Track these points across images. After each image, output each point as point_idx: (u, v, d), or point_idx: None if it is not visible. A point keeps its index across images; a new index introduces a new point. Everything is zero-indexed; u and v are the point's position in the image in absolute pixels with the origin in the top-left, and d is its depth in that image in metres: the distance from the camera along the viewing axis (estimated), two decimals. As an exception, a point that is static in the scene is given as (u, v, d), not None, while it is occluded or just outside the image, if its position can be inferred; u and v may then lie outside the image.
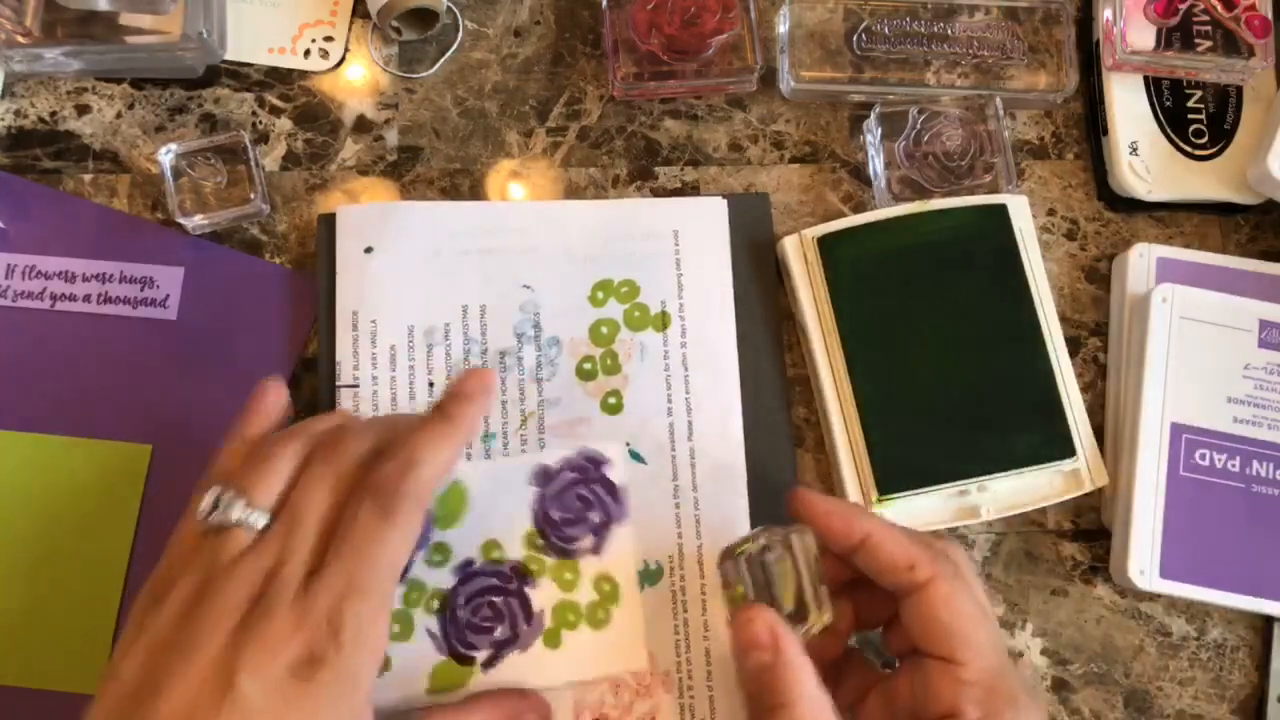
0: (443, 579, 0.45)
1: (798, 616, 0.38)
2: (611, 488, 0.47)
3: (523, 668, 0.44)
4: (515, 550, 0.46)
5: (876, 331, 0.48)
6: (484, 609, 0.45)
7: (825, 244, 0.49)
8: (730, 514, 0.47)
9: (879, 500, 0.47)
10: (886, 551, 0.39)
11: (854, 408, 0.48)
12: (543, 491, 0.47)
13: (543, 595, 0.45)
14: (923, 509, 0.47)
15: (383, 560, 0.35)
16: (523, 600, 0.45)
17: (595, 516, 0.46)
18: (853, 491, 0.47)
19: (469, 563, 0.45)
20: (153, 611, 0.35)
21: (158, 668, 0.34)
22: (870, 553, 0.39)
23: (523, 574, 0.46)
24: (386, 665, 0.44)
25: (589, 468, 0.47)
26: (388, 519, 0.35)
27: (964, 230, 0.49)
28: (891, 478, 0.47)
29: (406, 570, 0.45)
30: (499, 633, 0.45)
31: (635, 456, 0.48)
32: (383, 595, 0.35)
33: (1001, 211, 0.50)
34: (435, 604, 0.45)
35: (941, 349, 0.48)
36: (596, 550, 0.46)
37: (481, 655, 0.44)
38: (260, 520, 0.36)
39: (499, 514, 0.46)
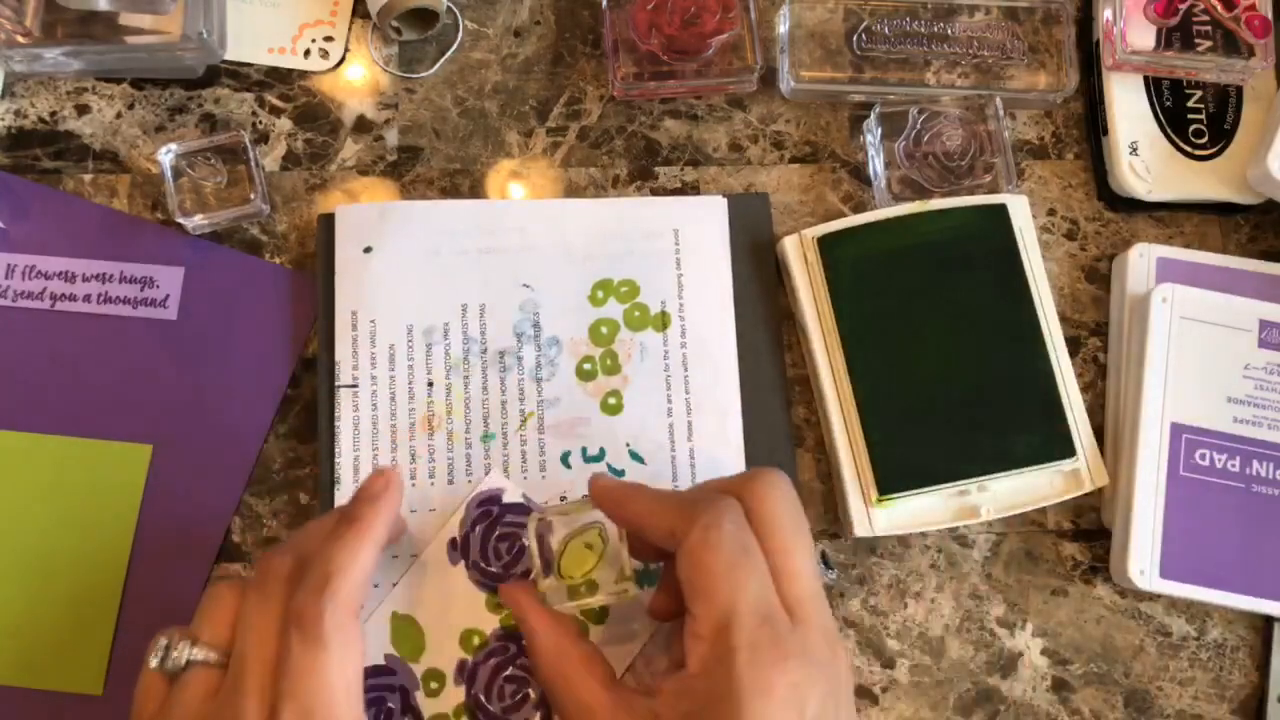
0: (455, 696, 0.45)
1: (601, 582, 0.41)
2: (520, 508, 0.47)
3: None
4: (490, 623, 0.45)
5: (876, 331, 0.48)
6: (507, 687, 0.45)
7: (825, 244, 0.49)
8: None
9: (879, 500, 0.47)
10: (652, 526, 0.39)
11: (854, 408, 0.48)
12: (467, 559, 0.46)
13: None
14: (923, 509, 0.48)
15: (327, 686, 0.35)
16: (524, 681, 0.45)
17: (529, 542, 0.44)
18: (853, 491, 0.47)
19: (463, 664, 0.45)
20: None
21: None
22: (645, 532, 0.39)
23: (516, 634, 0.45)
24: None
25: (490, 507, 0.47)
26: (318, 645, 0.35)
27: (964, 230, 0.49)
28: (891, 478, 0.47)
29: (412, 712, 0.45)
30: (533, 695, 0.45)
31: (635, 457, 0.48)
32: (343, 716, 0.35)
33: (1001, 211, 0.50)
34: (466, 718, 0.45)
35: (941, 349, 0.48)
36: (548, 571, 0.44)
37: None
38: (211, 655, 0.37)
39: (455, 608, 0.46)
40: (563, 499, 0.47)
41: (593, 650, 0.40)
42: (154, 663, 0.37)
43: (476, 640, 0.45)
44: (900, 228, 0.49)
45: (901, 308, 0.49)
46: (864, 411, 0.48)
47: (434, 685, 0.45)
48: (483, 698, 0.45)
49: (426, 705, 0.45)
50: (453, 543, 0.46)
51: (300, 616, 0.36)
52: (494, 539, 0.46)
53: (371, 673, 0.44)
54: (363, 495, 0.40)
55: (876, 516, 0.47)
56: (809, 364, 0.50)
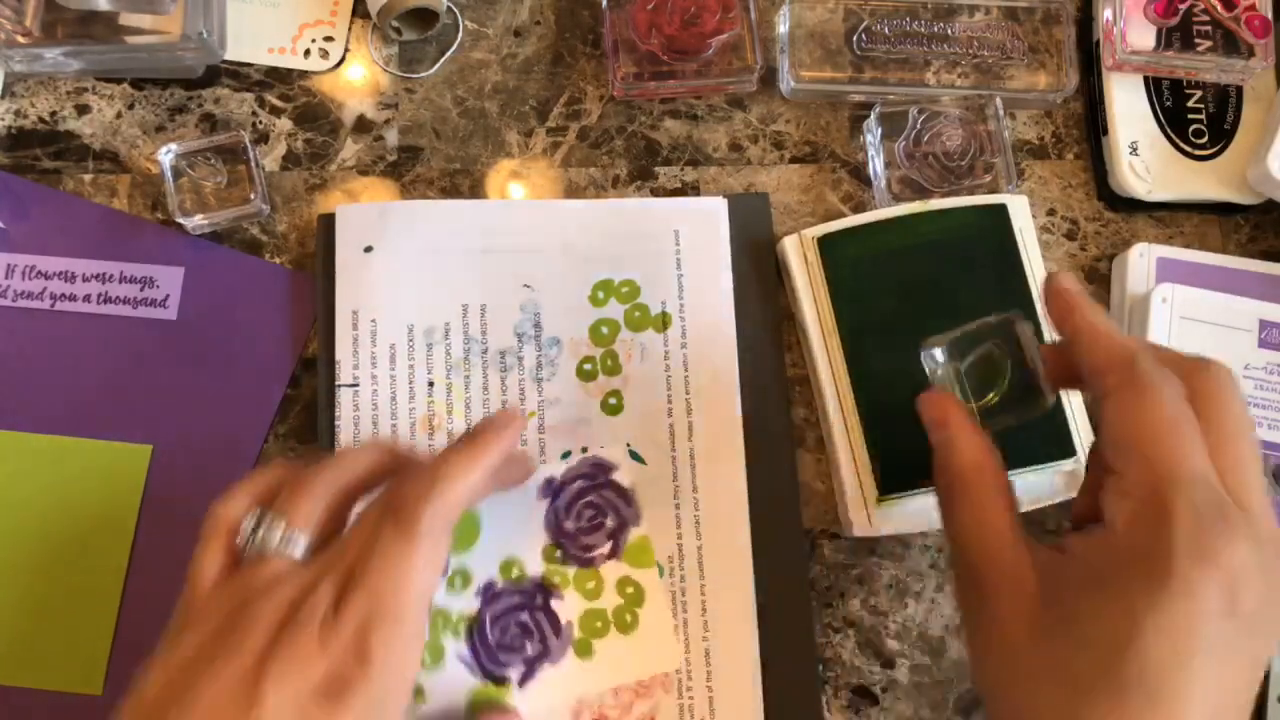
0: (467, 604, 0.45)
1: (1008, 402, 0.40)
2: (621, 491, 0.47)
3: (557, 681, 0.45)
4: (535, 566, 0.46)
5: (877, 331, 0.48)
6: (512, 628, 0.45)
7: (825, 244, 0.49)
8: (730, 514, 0.47)
9: (880, 500, 0.47)
10: (1091, 348, 0.36)
11: (854, 407, 0.48)
12: (554, 504, 0.47)
13: (568, 607, 0.46)
14: (924, 509, 0.47)
15: (406, 582, 0.35)
16: (549, 614, 0.46)
17: (609, 522, 0.47)
18: (852, 491, 0.47)
19: (490, 585, 0.46)
20: (182, 634, 0.35)
21: (184, 684, 0.33)
22: (1081, 351, 0.37)
23: (546, 589, 0.46)
24: (421, 695, 0.44)
25: (596, 474, 0.47)
26: (408, 540, 0.35)
27: (964, 230, 0.49)
28: (892, 478, 0.47)
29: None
30: (530, 649, 0.45)
31: (635, 457, 0.48)
32: (410, 619, 0.35)
33: (1001, 212, 0.50)
34: (463, 629, 0.45)
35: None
36: (614, 555, 0.46)
37: (515, 674, 0.45)
38: (299, 546, 0.36)
39: (513, 532, 0.46)
40: None
41: (1010, 483, 0.38)
42: (244, 536, 0.37)
43: (515, 572, 0.46)
44: (900, 227, 0.49)
45: (901, 307, 0.48)
46: (864, 411, 0.48)
47: (458, 583, 0.45)
48: (488, 621, 0.45)
49: (441, 596, 0.45)
50: (549, 481, 0.47)
51: (400, 509, 0.36)
52: (582, 503, 0.47)
53: None
54: (488, 423, 0.40)
55: (876, 516, 0.47)
56: (809, 364, 0.50)
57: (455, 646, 0.45)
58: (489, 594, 0.46)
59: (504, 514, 0.46)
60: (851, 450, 0.48)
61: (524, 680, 0.45)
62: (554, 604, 0.46)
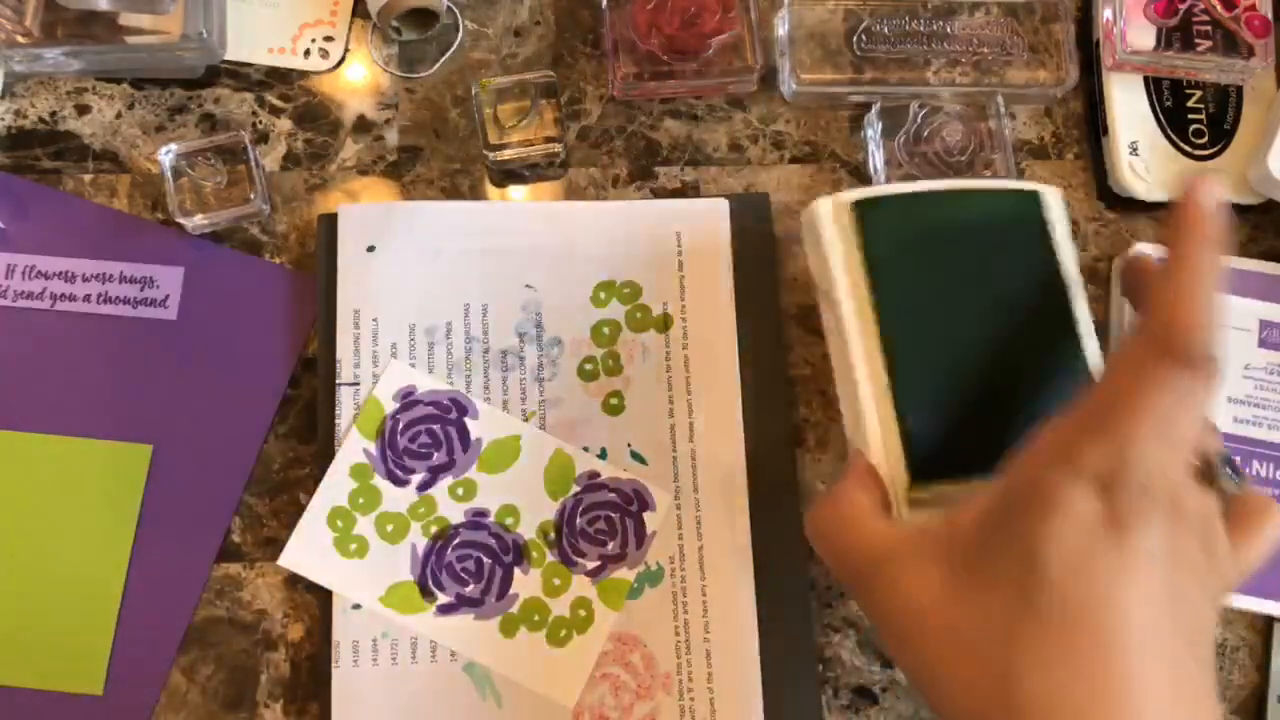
0: (454, 514, 0.47)
1: None
2: (641, 531, 0.47)
3: (468, 632, 0.46)
4: (527, 529, 0.47)
5: (914, 309, 0.44)
6: (470, 563, 0.46)
7: (863, 209, 0.44)
8: (730, 515, 0.47)
9: (911, 488, 0.42)
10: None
11: (887, 389, 0.43)
12: (579, 495, 0.47)
13: (526, 582, 0.46)
14: (954, 503, 0.45)
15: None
16: (507, 575, 0.46)
17: (610, 547, 0.47)
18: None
19: (482, 513, 0.47)
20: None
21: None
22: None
23: (520, 553, 0.47)
24: (363, 553, 0.46)
25: (631, 500, 0.48)
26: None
27: (997, 214, 0.45)
28: (926, 466, 0.43)
29: (430, 485, 0.47)
30: (469, 590, 0.46)
31: (636, 457, 0.48)
32: None
33: (1034, 199, 0.45)
34: (434, 530, 0.46)
35: (979, 336, 0.44)
36: (594, 575, 0.46)
37: (442, 600, 0.46)
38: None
39: (533, 489, 0.47)
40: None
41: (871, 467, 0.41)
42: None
43: (509, 520, 0.47)
44: (936, 202, 0.45)
45: (936, 287, 0.44)
46: (898, 394, 0.43)
47: (460, 492, 0.47)
48: (456, 541, 0.47)
49: (441, 491, 0.47)
50: (593, 474, 0.48)
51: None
52: (602, 514, 0.48)
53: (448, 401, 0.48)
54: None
55: (904, 514, 0.43)
56: (833, 343, 0.46)
57: (417, 539, 0.46)
58: (474, 520, 0.47)
59: (538, 469, 0.47)
60: (883, 435, 0.43)
61: (445, 611, 0.46)
62: (518, 569, 0.46)
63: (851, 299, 0.44)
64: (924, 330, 0.44)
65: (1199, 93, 0.54)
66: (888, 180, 0.51)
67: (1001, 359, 0.44)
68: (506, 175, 0.52)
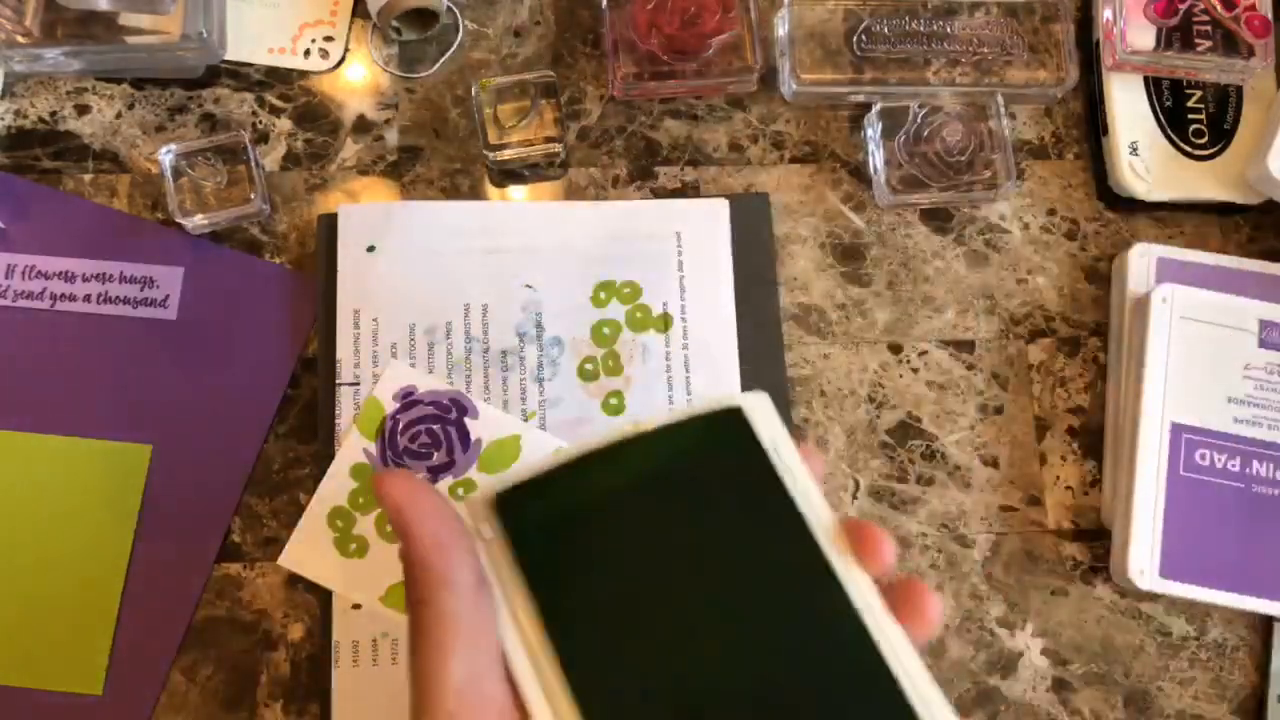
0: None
1: None
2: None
3: None
4: None
5: (602, 626, 0.30)
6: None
7: (504, 507, 0.31)
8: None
9: None
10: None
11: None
12: None
13: None
14: None
15: None
16: None
17: None
18: None
19: None
20: None
21: None
22: None
23: None
24: (363, 553, 0.46)
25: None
26: None
27: (695, 453, 0.32)
28: None
29: (446, 470, 0.47)
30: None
31: (636, 456, 0.48)
32: None
33: (737, 419, 0.33)
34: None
35: (703, 630, 0.30)
36: None
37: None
38: None
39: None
40: None
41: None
42: None
43: None
44: (607, 465, 0.32)
45: (628, 581, 0.31)
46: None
47: (462, 492, 0.48)
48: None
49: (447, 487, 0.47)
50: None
51: None
52: None
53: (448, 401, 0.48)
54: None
55: None
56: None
57: None
58: None
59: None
60: None
61: None
62: None
63: (520, 646, 0.29)
64: (628, 655, 0.30)
65: (1199, 93, 0.54)
66: (887, 180, 0.51)
67: (749, 653, 0.30)
68: (506, 175, 0.52)
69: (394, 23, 0.52)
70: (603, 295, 0.50)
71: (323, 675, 0.45)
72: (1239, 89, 0.54)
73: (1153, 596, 0.49)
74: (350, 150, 0.52)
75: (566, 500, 0.31)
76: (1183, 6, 0.53)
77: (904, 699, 0.30)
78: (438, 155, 0.53)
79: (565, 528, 0.31)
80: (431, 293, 0.49)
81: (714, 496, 0.32)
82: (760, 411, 0.33)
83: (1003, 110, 0.52)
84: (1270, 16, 0.53)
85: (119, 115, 0.52)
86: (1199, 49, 0.52)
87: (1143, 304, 0.49)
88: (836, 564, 0.31)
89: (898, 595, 0.31)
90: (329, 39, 0.53)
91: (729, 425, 0.33)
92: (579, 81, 0.54)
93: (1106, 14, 0.53)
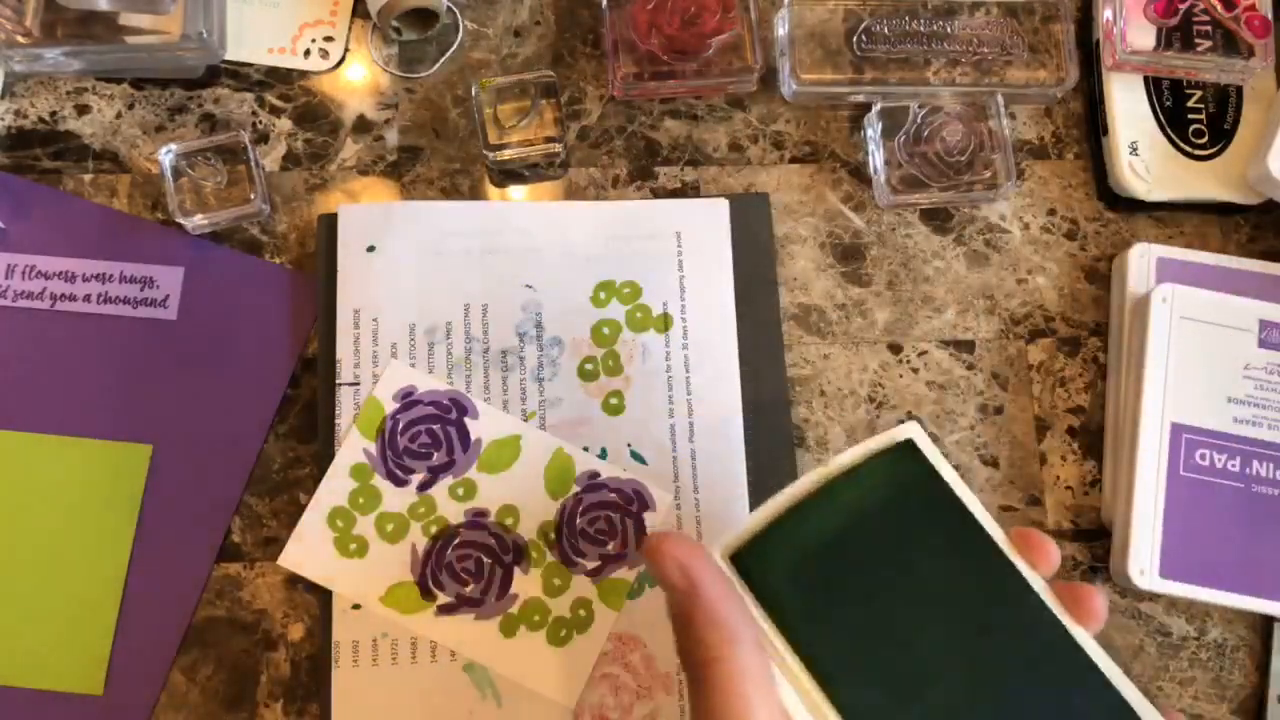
0: (454, 514, 0.47)
1: None
2: (641, 529, 0.47)
3: (468, 632, 0.46)
4: (527, 529, 0.47)
5: (853, 655, 0.33)
6: (470, 563, 0.46)
7: (739, 561, 0.34)
8: (730, 514, 0.47)
9: None
10: None
11: None
12: (581, 495, 0.47)
13: (526, 583, 0.46)
14: None
15: None
16: (507, 575, 0.46)
17: (610, 548, 0.47)
18: None
19: (482, 513, 0.47)
20: None
21: None
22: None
23: (520, 553, 0.47)
24: (363, 553, 0.46)
25: (631, 501, 0.48)
26: None
27: (889, 488, 0.35)
28: None
29: (429, 485, 0.47)
30: (469, 590, 0.46)
31: (636, 457, 0.48)
32: None
33: (912, 451, 0.36)
34: (433, 530, 0.47)
35: (945, 655, 0.33)
36: (594, 575, 0.46)
37: (442, 600, 0.46)
38: None
39: (533, 489, 0.47)
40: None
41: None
42: None
43: (509, 520, 0.47)
44: (820, 511, 0.34)
45: (874, 620, 0.33)
46: None
47: (461, 492, 0.47)
48: (456, 541, 0.47)
49: (441, 491, 0.47)
50: (593, 475, 0.48)
51: None
52: (602, 514, 0.48)
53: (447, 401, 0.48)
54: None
55: None
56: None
57: (417, 539, 0.47)
58: (474, 520, 0.47)
59: (539, 468, 0.47)
60: None
61: (446, 610, 0.46)
62: (518, 569, 0.47)
63: (785, 669, 0.33)
64: (880, 681, 0.32)
65: (1199, 93, 0.54)
66: (887, 180, 0.51)
67: (979, 677, 0.33)
68: (506, 175, 0.53)
69: (394, 23, 0.52)
70: (603, 295, 0.50)
71: (323, 675, 0.46)
72: (1239, 89, 0.54)
73: (1153, 596, 0.49)
74: (350, 150, 0.52)
75: (796, 549, 0.34)
76: (1183, 6, 0.53)
77: (1125, 702, 0.32)
78: (438, 155, 0.53)
79: (804, 576, 0.33)
80: (431, 293, 0.49)
81: (918, 527, 0.35)
82: (924, 439, 0.36)
83: (1003, 110, 0.52)
84: (1270, 16, 0.53)
85: (119, 115, 0.52)
86: (1199, 49, 0.52)
87: (1143, 304, 0.49)
88: (1028, 575, 0.34)
89: (1067, 595, 0.33)
90: (329, 39, 0.54)
91: (907, 457, 0.35)
92: (579, 81, 0.54)
93: (1106, 14, 0.53)
